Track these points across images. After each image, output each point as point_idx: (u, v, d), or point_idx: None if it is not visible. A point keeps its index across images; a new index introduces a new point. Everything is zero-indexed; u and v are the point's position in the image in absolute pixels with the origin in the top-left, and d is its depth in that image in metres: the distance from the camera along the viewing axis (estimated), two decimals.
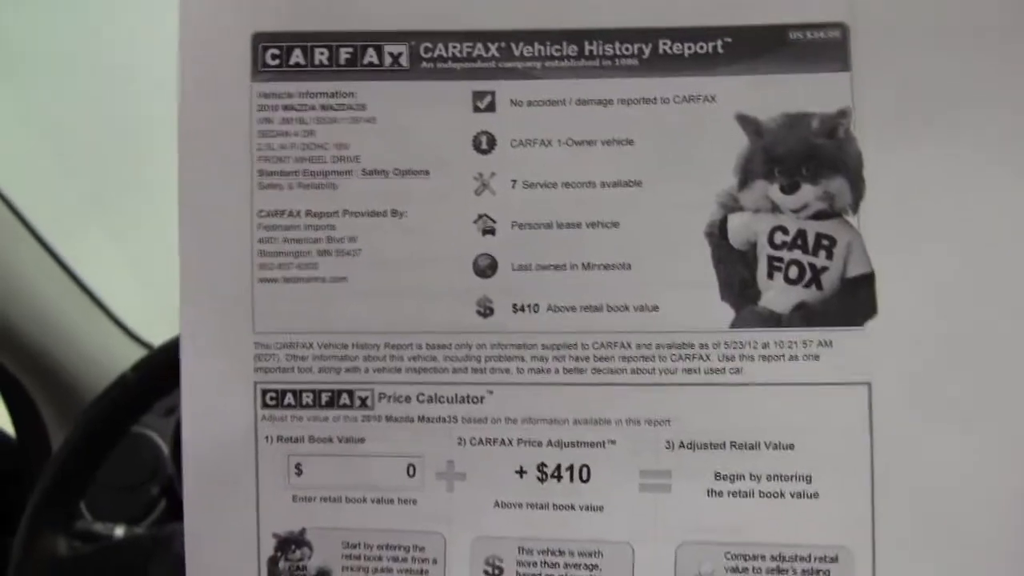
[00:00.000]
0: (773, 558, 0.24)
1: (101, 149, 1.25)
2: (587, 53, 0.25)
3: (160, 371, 0.72)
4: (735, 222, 0.25)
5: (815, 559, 0.24)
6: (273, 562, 0.26)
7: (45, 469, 0.69)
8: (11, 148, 0.94)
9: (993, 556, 0.23)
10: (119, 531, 0.77)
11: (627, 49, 0.25)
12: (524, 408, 0.25)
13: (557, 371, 0.25)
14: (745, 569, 0.24)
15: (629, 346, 0.25)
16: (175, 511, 0.86)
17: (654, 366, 0.25)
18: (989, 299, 0.24)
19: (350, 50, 0.26)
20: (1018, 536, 0.23)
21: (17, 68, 1.12)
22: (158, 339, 1.04)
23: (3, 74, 1.06)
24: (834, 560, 0.24)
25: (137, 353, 0.99)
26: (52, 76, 1.18)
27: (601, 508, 0.25)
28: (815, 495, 0.24)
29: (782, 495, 0.24)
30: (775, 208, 0.25)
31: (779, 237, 0.25)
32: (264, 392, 0.26)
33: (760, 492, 0.24)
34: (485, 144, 0.26)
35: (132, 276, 1.08)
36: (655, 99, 0.25)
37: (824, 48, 0.25)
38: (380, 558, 0.26)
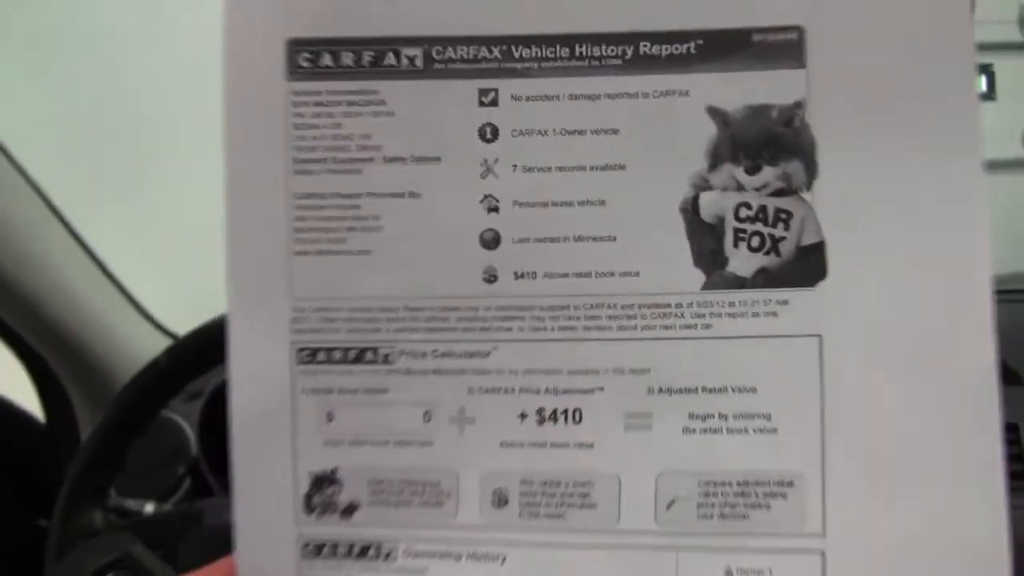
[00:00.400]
0: (738, 484, 0.28)
1: (122, 146, 1.29)
2: (577, 54, 0.29)
3: (189, 356, 0.76)
4: (705, 199, 0.29)
5: (773, 484, 0.28)
6: (308, 497, 0.30)
7: (82, 448, 0.73)
8: (43, 143, 0.97)
9: (927, 481, 0.27)
10: (149, 507, 0.80)
11: (612, 51, 0.29)
12: (524, 361, 0.29)
13: (553, 329, 0.29)
14: (715, 493, 0.28)
15: (615, 307, 0.29)
16: (200, 490, 0.90)
17: (636, 323, 0.29)
18: (925, 262, 0.27)
19: (372, 53, 0.30)
20: (948, 461, 0.27)
21: (47, 63, 1.15)
22: (180, 328, 1.08)
23: (33, 70, 1.09)
24: (790, 484, 0.28)
25: (160, 342, 1.03)
26: (79, 71, 1.22)
27: (592, 445, 0.29)
28: (774, 431, 0.28)
29: (746, 431, 0.28)
30: (740, 187, 0.28)
31: (743, 212, 0.28)
32: (300, 350, 0.30)
33: (727, 429, 0.28)
34: (489, 134, 0.30)
35: (153, 269, 1.12)
36: (636, 94, 0.29)
37: (783, 49, 0.28)
38: (401, 492, 0.30)
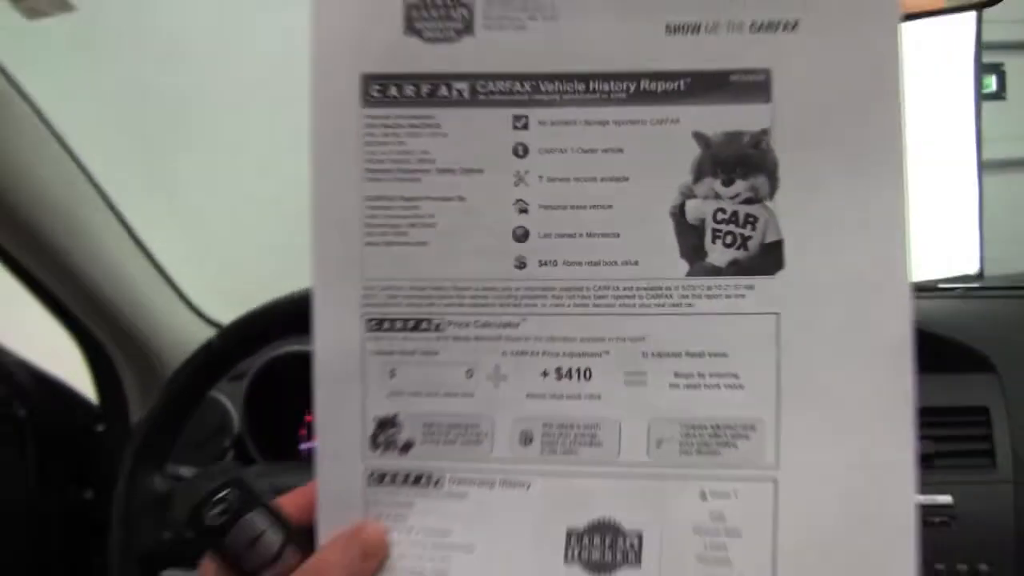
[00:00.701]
0: (711, 427, 0.36)
1: (167, 144, 1.36)
2: (591, 89, 0.37)
3: (236, 341, 0.84)
4: (690, 205, 0.36)
5: (739, 428, 0.35)
6: (374, 437, 0.38)
7: (145, 421, 0.82)
8: (97, 142, 1.04)
9: (854, 428, 0.35)
10: None
11: (618, 86, 0.37)
12: (546, 330, 0.37)
13: (569, 305, 0.37)
14: (693, 435, 0.36)
15: (618, 288, 0.36)
16: (242, 459, 0.98)
17: (635, 302, 0.36)
18: (858, 258, 0.35)
19: (429, 86, 0.38)
20: (872, 413, 0.34)
21: (100, 65, 1.21)
22: (216, 315, 1.15)
23: (88, 70, 1.15)
24: (752, 428, 0.35)
25: (200, 328, 1.11)
26: (128, 71, 1.28)
27: (599, 396, 0.37)
28: (740, 387, 0.35)
29: (718, 387, 0.36)
30: (717, 196, 0.36)
31: (720, 216, 0.36)
32: (369, 320, 0.38)
33: (704, 385, 0.36)
34: (521, 151, 0.37)
35: (195, 261, 1.19)
36: (637, 121, 0.36)
37: (754, 87, 0.36)
38: (448, 433, 0.38)
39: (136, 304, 1.03)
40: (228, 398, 0.99)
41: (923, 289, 1.07)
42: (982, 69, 1.52)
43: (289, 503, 0.39)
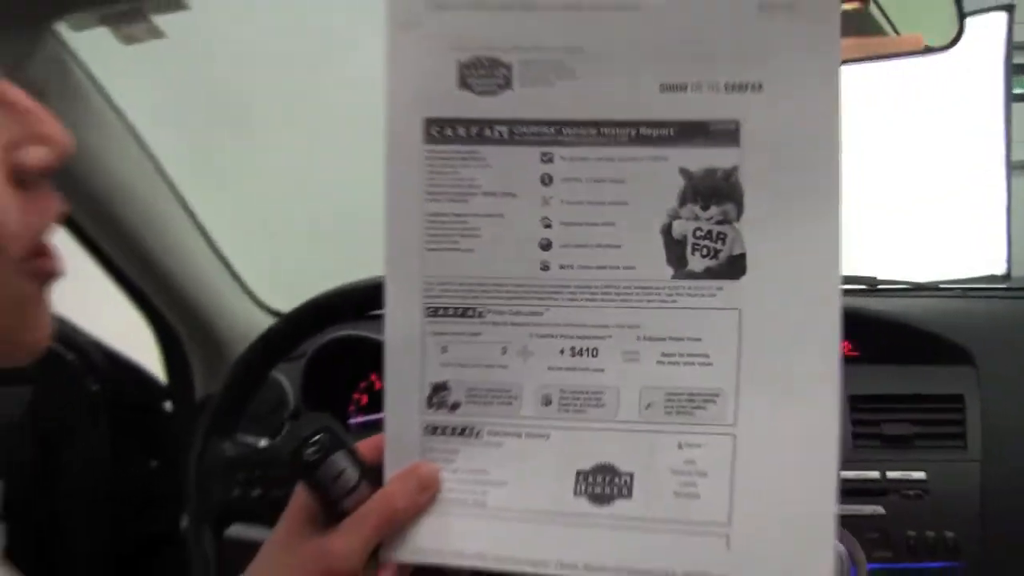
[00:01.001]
0: (688, 394, 0.46)
1: (229, 144, 1.45)
2: (601, 133, 0.46)
3: (296, 326, 0.95)
4: (676, 225, 0.46)
5: (707, 394, 0.45)
6: (429, 398, 0.48)
7: (218, 394, 0.93)
8: (167, 140, 1.13)
9: (794, 397, 0.44)
10: (262, 442, 0.98)
11: (622, 132, 0.46)
12: (564, 318, 0.47)
13: (581, 300, 0.47)
14: (673, 400, 0.46)
15: (619, 287, 0.47)
16: None
17: (631, 298, 0.47)
18: (800, 270, 0.44)
19: (476, 128, 0.48)
20: (805, 385, 0.45)
21: (165, 64, 1.30)
22: (280, 307, 1.26)
23: (155, 70, 1.23)
24: (717, 395, 0.45)
25: (259, 315, 1.23)
26: (192, 69, 1.37)
27: (603, 370, 0.47)
28: (710, 364, 0.46)
29: (693, 364, 0.46)
30: (697, 218, 0.46)
31: (698, 233, 0.46)
32: (427, 308, 0.49)
33: (683, 363, 0.46)
34: (547, 180, 0.47)
35: (255, 258, 1.29)
36: (637, 159, 0.47)
37: (726, 134, 0.46)
38: (486, 396, 0.48)
39: (204, 293, 1.15)
40: (286, 377, 1.10)
41: (920, 289, 1.15)
42: (1013, 70, 1.56)
43: (364, 447, 0.49)
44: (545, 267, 0.47)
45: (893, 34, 0.91)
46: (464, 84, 0.47)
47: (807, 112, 0.44)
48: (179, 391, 1.17)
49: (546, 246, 0.47)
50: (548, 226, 0.47)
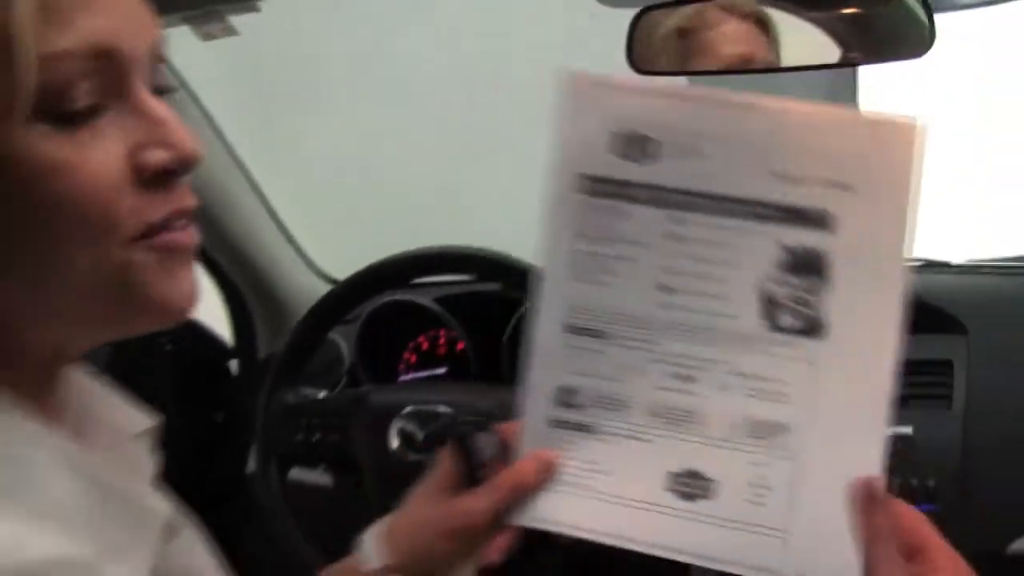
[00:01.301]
0: (767, 424, 0.54)
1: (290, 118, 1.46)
2: (721, 206, 0.54)
3: (355, 289, 1.05)
4: (771, 288, 0.53)
5: (780, 426, 0.54)
6: (557, 398, 0.56)
7: (283, 350, 1.03)
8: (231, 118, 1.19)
9: (856, 433, 0.52)
10: (321, 394, 1.10)
11: (738, 207, 0.54)
12: (674, 349, 0.55)
13: (690, 338, 0.54)
14: (753, 427, 0.54)
15: (721, 331, 0.54)
16: (354, 385, 1.21)
17: (730, 341, 0.54)
18: (864, 341, 0.52)
19: (622, 188, 0.55)
20: (861, 423, 0.55)
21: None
22: (336, 274, 1.34)
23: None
24: (788, 427, 0.53)
25: (317, 283, 1.31)
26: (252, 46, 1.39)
27: (701, 395, 0.54)
28: (787, 403, 0.53)
29: (772, 400, 0.54)
30: (789, 284, 0.52)
31: (790, 296, 0.53)
32: (566, 326, 0.56)
33: (765, 398, 0.54)
34: (673, 237, 0.54)
35: (313, 229, 1.36)
36: (747, 230, 0.54)
37: (822, 221, 0.53)
38: (604, 401, 0.56)
39: (268, 262, 1.24)
40: (342, 338, 1.21)
41: (930, 265, 1.20)
42: None
43: (501, 430, 0.59)
44: (664, 307, 0.56)
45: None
46: (614, 151, 0.56)
47: (886, 214, 0.53)
48: (244, 351, 1.26)
49: (666, 290, 0.56)
50: (670, 274, 0.56)
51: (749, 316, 0.55)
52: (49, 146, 0.39)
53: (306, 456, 1.05)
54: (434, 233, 1.06)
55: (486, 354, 1.19)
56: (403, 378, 1.24)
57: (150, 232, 0.42)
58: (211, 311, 1.25)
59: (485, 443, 0.58)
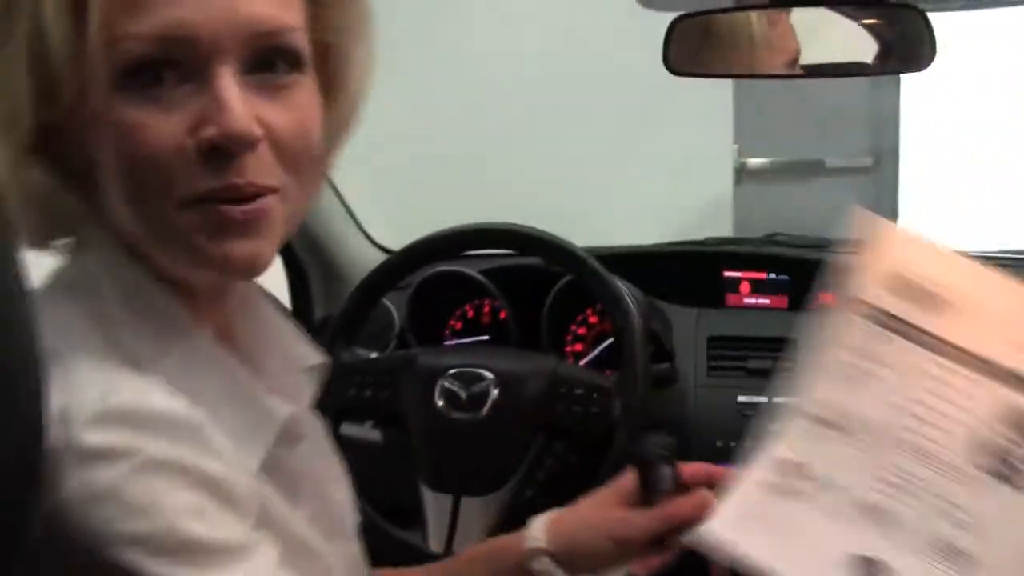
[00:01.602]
0: (956, 550, 0.57)
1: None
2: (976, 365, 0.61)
3: (409, 258, 1.14)
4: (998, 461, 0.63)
5: (965, 555, 0.58)
6: (777, 467, 0.61)
7: (340, 312, 1.13)
8: None
9: None
10: (373, 354, 1.20)
11: (979, 365, 0.62)
12: (898, 463, 0.60)
13: (915, 460, 0.60)
14: (944, 546, 0.57)
15: (945, 462, 0.60)
16: (403, 347, 1.29)
17: (948, 472, 0.59)
18: None
19: (880, 325, 0.63)
20: None
21: None
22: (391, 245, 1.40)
23: None
24: (970, 558, 0.57)
25: (371, 252, 1.38)
26: None
27: (908, 505, 0.58)
28: (979, 539, 0.58)
29: (965, 530, 0.58)
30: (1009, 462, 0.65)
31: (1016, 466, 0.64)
32: (810, 414, 0.62)
33: (960, 526, 0.58)
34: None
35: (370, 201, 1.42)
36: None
37: None
38: (820, 480, 0.60)
39: (327, 232, 1.29)
40: (394, 304, 1.28)
41: None
42: None
43: (683, 467, 0.66)
44: (896, 423, 0.62)
45: None
46: (895, 292, 0.64)
47: None
48: (301, 315, 1.31)
49: (902, 411, 0.62)
50: (908, 399, 0.63)
51: (962, 453, 0.61)
52: (129, 110, 0.46)
53: (358, 411, 1.12)
54: (486, 208, 1.13)
55: (526, 324, 1.26)
56: (448, 343, 1.31)
57: (200, 199, 0.47)
58: (272, 277, 1.31)
59: (665, 474, 0.65)
